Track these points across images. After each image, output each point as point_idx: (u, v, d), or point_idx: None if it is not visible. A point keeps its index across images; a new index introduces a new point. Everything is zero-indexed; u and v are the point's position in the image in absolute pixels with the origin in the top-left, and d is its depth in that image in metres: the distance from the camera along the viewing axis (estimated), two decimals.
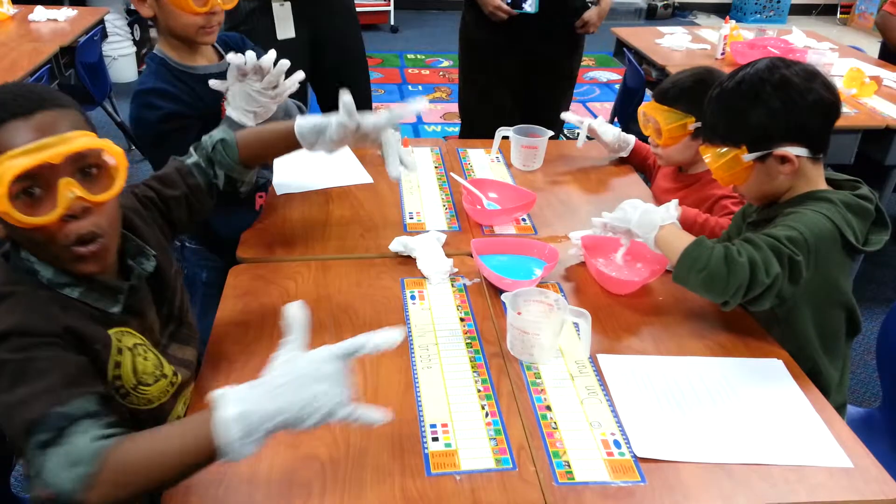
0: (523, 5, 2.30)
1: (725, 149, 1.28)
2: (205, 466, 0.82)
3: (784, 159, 1.24)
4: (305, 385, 0.81)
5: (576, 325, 1.26)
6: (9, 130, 0.86)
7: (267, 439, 0.81)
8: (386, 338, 0.86)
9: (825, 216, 1.21)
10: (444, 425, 1.07)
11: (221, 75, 1.53)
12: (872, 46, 4.38)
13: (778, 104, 1.22)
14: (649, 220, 1.29)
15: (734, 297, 1.16)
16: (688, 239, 1.22)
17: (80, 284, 0.96)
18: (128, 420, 0.99)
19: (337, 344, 0.85)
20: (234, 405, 0.79)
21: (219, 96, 1.56)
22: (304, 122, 1.20)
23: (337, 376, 0.83)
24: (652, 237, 1.28)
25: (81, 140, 0.89)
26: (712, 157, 1.30)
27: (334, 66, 2.39)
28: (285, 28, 2.17)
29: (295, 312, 0.88)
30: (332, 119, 1.18)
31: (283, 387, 0.81)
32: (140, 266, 1.05)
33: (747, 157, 1.25)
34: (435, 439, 1.05)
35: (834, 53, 2.96)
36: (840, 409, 1.30)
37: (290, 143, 1.23)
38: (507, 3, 2.33)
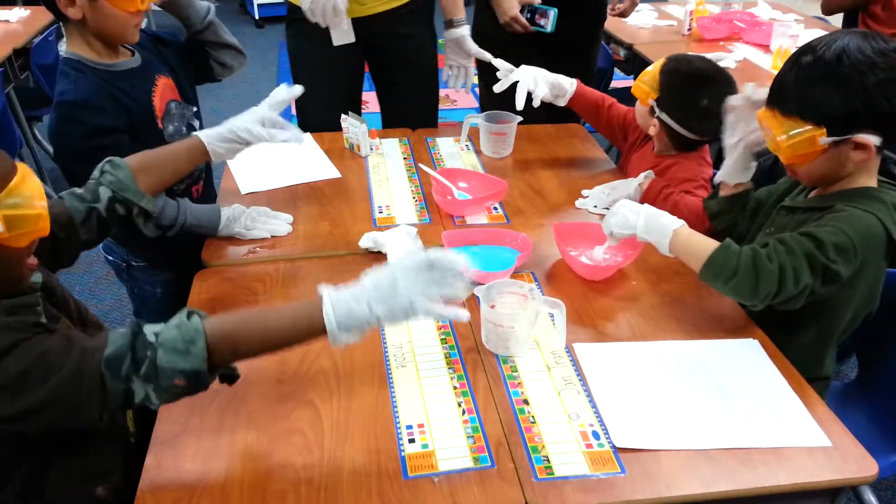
0: (540, 22, 2.10)
1: (800, 126, 1.14)
2: (310, 340, 0.95)
3: (859, 146, 1.14)
4: (393, 293, 0.91)
5: (551, 315, 1.25)
6: None
7: (366, 332, 0.92)
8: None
9: (878, 219, 1.14)
10: (421, 426, 1.05)
11: (141, 69, 1.50)
12: (837, 17, 4.40)
13: (876, 88, 1.09)
14: (660, 226, 1.23)
15: (762, 302, 1.14)
16: (708, 243, 1.18)
17: None
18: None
19: (427, 253, 0.93)
20: (333, 307, 0.91)
21: (148, 89, 1.51)
22: (214, 136, 1.31)
23: (421, 284, 0.91)
24: (666, 244, 1.22)
25: None
26: (778, 129, 1.17)
27: (398, 72, 2.15)
28: (342, 33, 1.92)
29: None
30: (244, 126, 1.32)
31: (373, 292, 0.91)
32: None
33: (825, 140, 1.13)
34: (411, 441, 1.03)
35: (800, 25, 2.96)
36: (822, 391, 1.30)
37: (194, 158, 1.32)
38: (526, 18, 2.12)
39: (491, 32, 2.22)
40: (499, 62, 1.80)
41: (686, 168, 1.63)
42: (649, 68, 1.64)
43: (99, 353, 0.88)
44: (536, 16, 2.09)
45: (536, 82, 1.74)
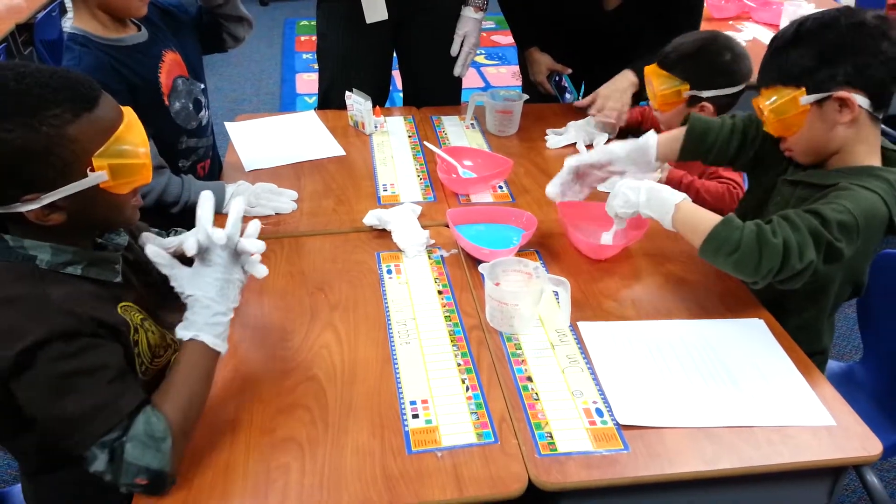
0: (563, 93, 2.10)
1: (781, 91, 1.17)
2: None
3: (843, 104, 1.14)
4: (228, 280, 1.01)
5: (555, 293, 1.24)
6: (86, 125, 0.89)
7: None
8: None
9: (882, 199, 1.13)
10: (425, 401, 1.05)
11: (147, 45, 1.48)
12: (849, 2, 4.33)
13: (847, 40, 1.12)
14: (662, 202, 1.22)
15: (764, 279, 1.11)
16: (710, 217, 1.16)
17: (80, 261, 0.97)
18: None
19: (213, 250, 1.00)
20: (203, 331, 0.98)
21: (154, 65, 1.50)
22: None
23: (232, 271, 1.02)
24: (669, 219, 1.21)
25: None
26: (765, 101, 1.20)
27: (423, 43, 2.08)
28: (376, 12, 1.90)
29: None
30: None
31: (214, 296, 0.99)
32: (112, 241, 1.06)
33: (805, 99, 1.15)
34: (415, 416, 1.03)
35: (810, 5, 2.93)
36: (822, 364, 1.30)
37: None
38: (555, 80, 2.12)
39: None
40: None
41: None
42: (650, 81, 1.62)
43: (89, 428, 0.88)
44: (562, 81, 2.10)
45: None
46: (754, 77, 1.63)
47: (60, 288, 0.92)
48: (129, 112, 0.96)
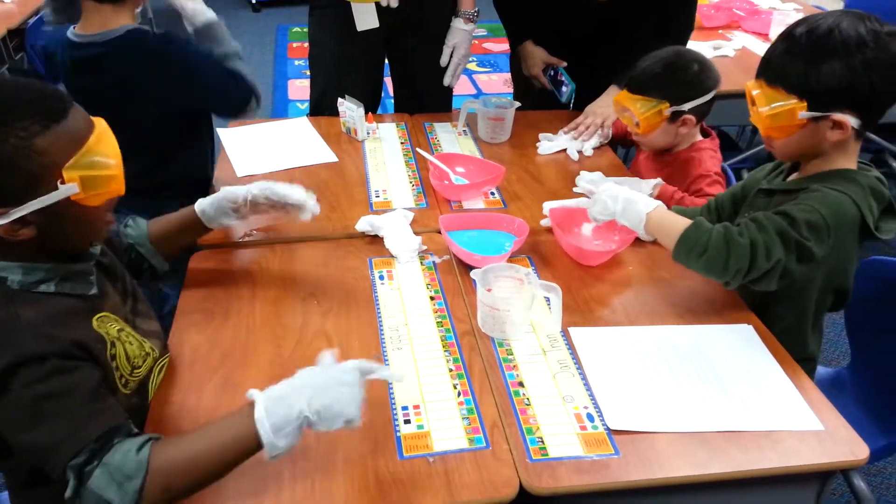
0: (560, 88, 2.10)
1: (782, 98, 1.15)
2: (245, 459, 0.88)
3: (837, 125, 1.14)
4: (329, 387, 0.88)
5: (547, 299, 1.25)
6: (54, 137, 0.87)
7: (299, 435, 0.87)
8: (395, 374, 0.97)
9: (851, 199, 1.14)
10: (416, 407, 1.06)
11: None
12: (836, 6, 4.39)
13: (861, 67, 1.09)
14: (636, 212, 1.25)
15: (734, 279, 1.14)
16: (681, 221, 1.18)
17: (52, 277, 0.95)
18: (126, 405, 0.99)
19: (359, 360, 0.92)
20: (262, 403, 0.86)
21: None
22: (204, 200, 1.26)
23: (355, 384, 0.89)
24: (641, 228, 1.25)
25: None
26: (761, 99, 1.17)
27: (415, 50, 2.09)
28: (367, 20, 1.91)
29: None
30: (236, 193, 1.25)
31: (306, 387, 0.88)
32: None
33: (804, 114, 1.14)
34: (407, 422, 1.03)
35: (798, 14, 2.96)
36: (811, 372, 1.31)
37: (193, 223, 1.27)
38: (550, 75, 2.12)
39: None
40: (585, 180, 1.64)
41: (698, 163, 1.64)
42: (625, 108, 1.62)
43: (63, 451, 0.84)
44: (559, 75, 2.10)
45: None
46: (731, 83, 1.67)
47: (32, 309, 0.91)
48: (100, 123, 0.94)
